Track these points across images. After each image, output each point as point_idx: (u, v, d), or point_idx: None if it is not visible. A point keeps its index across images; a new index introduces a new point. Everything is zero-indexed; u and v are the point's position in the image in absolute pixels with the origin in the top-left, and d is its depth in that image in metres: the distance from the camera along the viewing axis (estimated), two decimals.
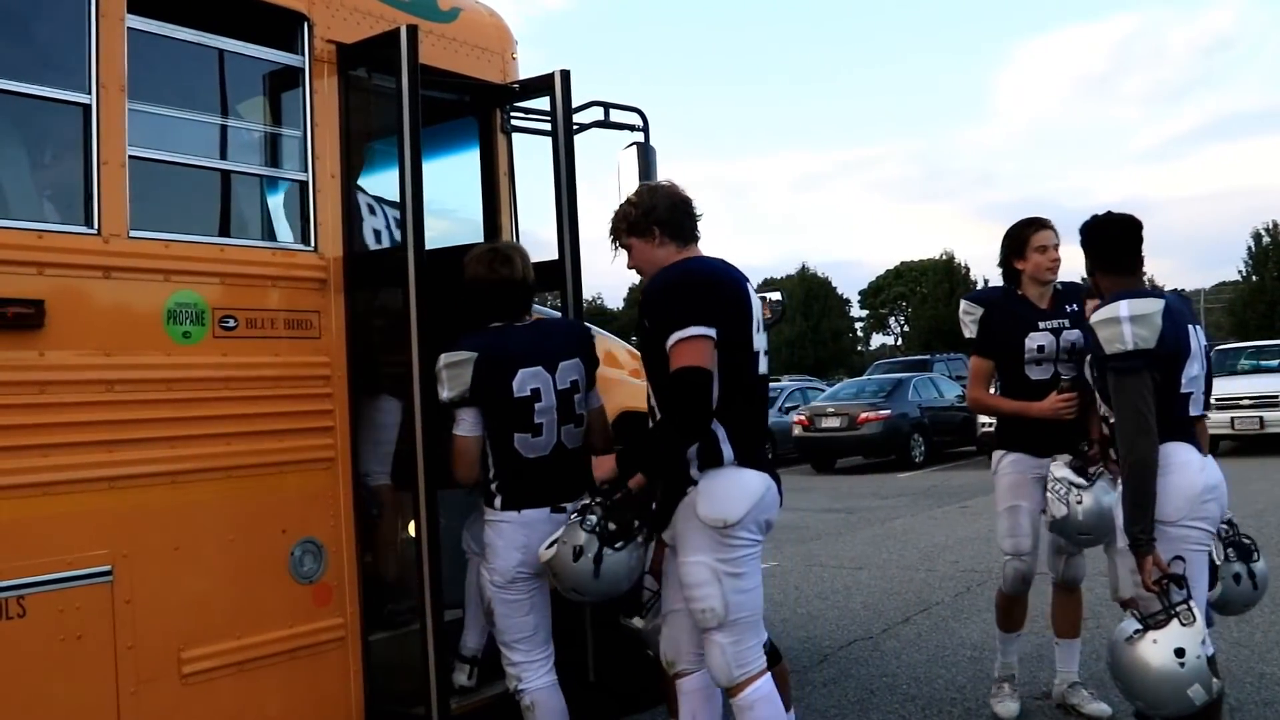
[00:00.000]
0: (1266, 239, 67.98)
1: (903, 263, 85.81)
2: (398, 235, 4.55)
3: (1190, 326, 3.82)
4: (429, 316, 3.97)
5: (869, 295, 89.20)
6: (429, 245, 4.06)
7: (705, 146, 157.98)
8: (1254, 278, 67.99)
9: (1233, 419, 18.06)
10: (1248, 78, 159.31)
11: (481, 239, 5.01)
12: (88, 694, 3.36)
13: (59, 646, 3.29)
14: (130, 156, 3.53)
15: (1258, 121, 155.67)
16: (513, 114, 5.04)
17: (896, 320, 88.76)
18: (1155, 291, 3.90)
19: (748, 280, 3.66)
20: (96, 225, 3.46)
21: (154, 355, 3.58)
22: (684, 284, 3.50)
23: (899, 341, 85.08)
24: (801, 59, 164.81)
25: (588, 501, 3.61)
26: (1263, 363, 20.70)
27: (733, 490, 3.46)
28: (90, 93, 3.46)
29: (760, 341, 3.62)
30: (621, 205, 3.75)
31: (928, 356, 31.38)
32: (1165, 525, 3.59)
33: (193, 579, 3.64)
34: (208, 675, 3.64)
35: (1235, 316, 67.28)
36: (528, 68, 5.00)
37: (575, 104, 4.80)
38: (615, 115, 5.28)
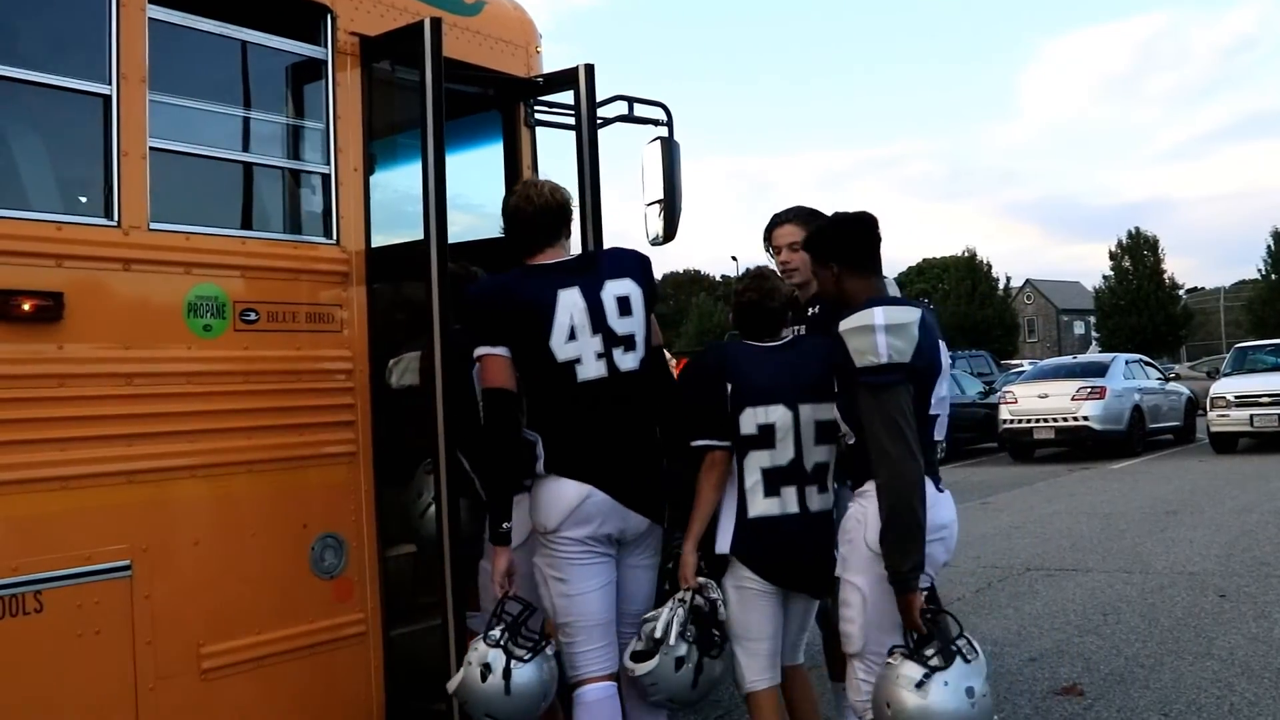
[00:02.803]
0: None
1: (925, 260, 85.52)
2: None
3: (940, 342, 3.50)
4: (451, 310, 3.93)
5: None
6: (452, 240, 4.01)
7: (728, 143, 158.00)
8: (1273, 276, 67.49)
9: (1252, 416, 17.87)
10: (1269, 77, 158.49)
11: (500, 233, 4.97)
12: (106, 690, 3.33)
13: (77, 642, 3.26)
14: (151, 148, 3.50)
15: (1278, 121, 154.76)
16: (536, 108, 4.99)
17: None
18: (907, 299, 3.55)
19: (572, 284, 3.57)
20: (116, 217, 3.43)
21: (174, 348, 3.54)
22: (471, 302, 3.61)
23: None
24: (826, 56, 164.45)
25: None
26: None
27: (543, 499, 3.56)
28: (111, 83, 3.42)
29: (584, 346, 3.54)
30: None
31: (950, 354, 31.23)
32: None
33: (212, 574, 3.60)
34: (227, 671, 3.61)
35: (1254, 314, 66.74)
36: (551, 63, 4.95)
37: (599, 98, 4.76)
38: (639, 110, 5.22)
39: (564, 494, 3.50)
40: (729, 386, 3.68)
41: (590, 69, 4.66)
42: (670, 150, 5.14)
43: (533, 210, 3.66)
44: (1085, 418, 18.34)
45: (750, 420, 3.64)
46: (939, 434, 3.49)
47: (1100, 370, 19.20)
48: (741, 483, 3.66)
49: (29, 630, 3.16)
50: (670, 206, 5.13)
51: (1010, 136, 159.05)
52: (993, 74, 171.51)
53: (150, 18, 3.52)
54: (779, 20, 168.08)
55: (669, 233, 5.15)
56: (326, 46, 4.02)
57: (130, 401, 3.43)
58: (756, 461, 3.64)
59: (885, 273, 3.72)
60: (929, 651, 3.17)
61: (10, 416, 3.17)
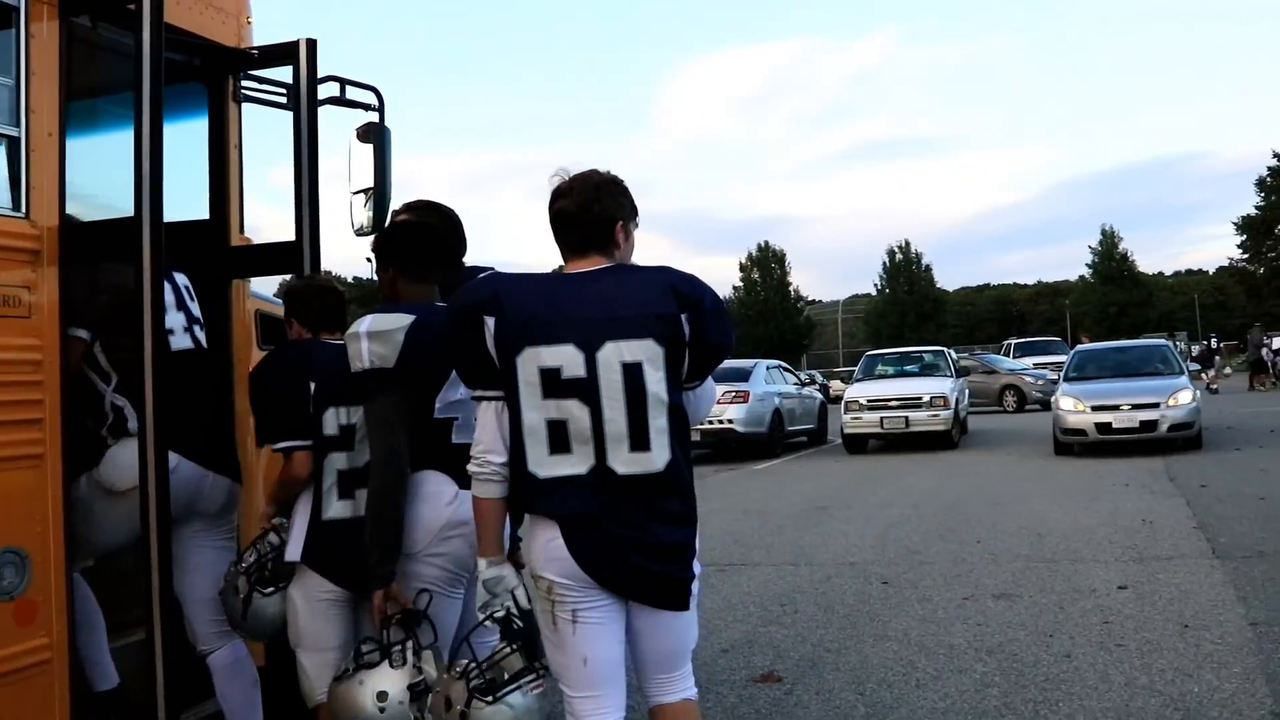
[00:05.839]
0: (899, 255, 74.31)
1: (559, 268, 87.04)
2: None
3: None
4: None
5: None
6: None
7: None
8: (888, 290, 74.13)
9: (882, 419, 19.43)
10: (888, 108, 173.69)
11: (207, 214, 4.58)
12: None
13: None
14: None
15: (894, 148, 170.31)
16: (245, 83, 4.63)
17: None
18: (410, 307, 3.45)
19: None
20: None
21: None
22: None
23: None
24: (467, 59, 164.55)
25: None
26: (906, 367, 22.47)
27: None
28: None
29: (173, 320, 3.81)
30: None
31: None
32: (405, 557, 3.35)
33: None
34: None
35: (870, 326, 73.04)
36: None
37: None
38: (350, 94, 4.96)
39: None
40: (313, 386, 3.57)
41: (312, 44, 4.40)
42: (382, 136, 4.92)
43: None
44: (730, 420, 19.12)
45: (332, 421, 3.54)
46: (459, 438, 3.41)
47: (743, 375, 20.09)
48: (319, 485, 3.55)
49: None
50: (380, 195, 4.91)
51: (648, 149, 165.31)
52: (634, 88, 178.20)
53: None
54: (420, 19, 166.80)
55: (377, 222, 4.93)
56: None
57: None
58: (335, 463, 3.54)
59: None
60: (366, 649, 3.28)
61: None
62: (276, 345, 4.32)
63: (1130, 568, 7.89)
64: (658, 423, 2.87)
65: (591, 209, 3.00)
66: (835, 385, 35.85)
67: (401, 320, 3.33)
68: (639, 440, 2.86)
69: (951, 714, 4.89)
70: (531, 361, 2.85)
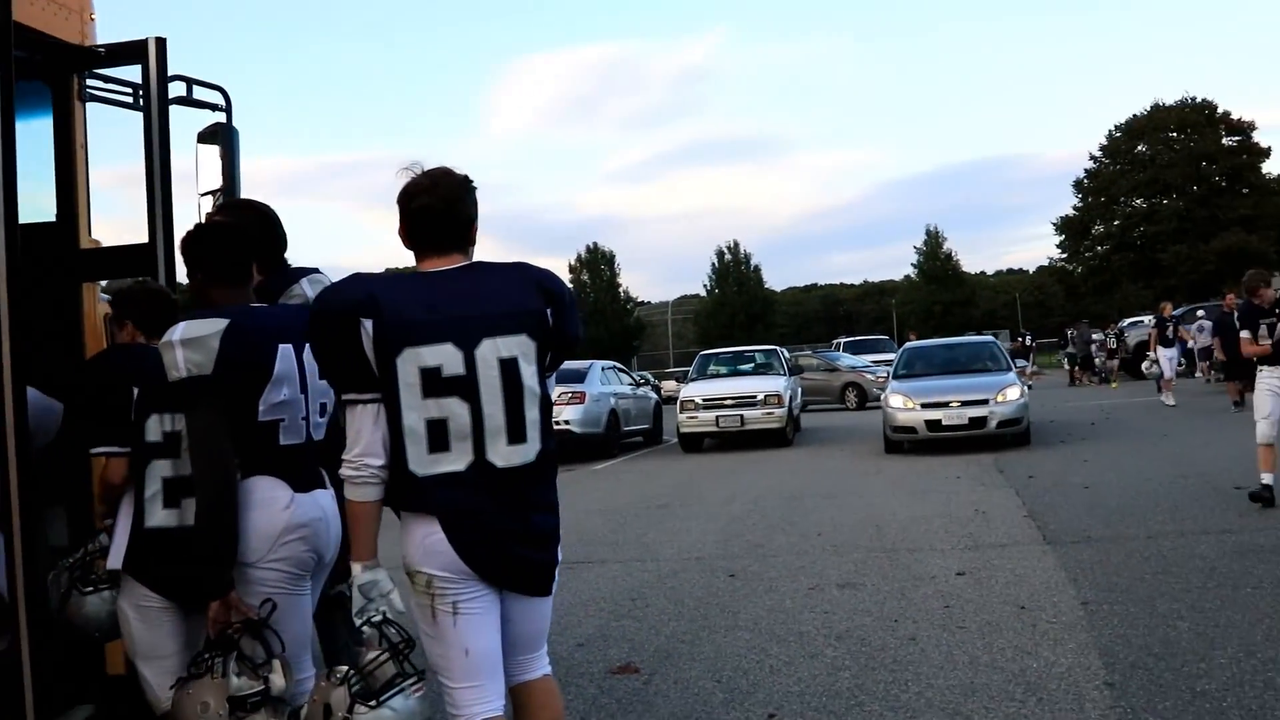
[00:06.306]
0: (728, 256, 75.61)
1: (389, 270, 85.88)
2: None
3: (286, 346, 3.43)
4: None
5: None
6: None
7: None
8: (716, 291, 75.27)
9: (718, 418, 19.77)
10: (718, 109, 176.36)
11: (54, 217, 4.43)
12: None
13: None
14: None
15: (724, 149, 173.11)
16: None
17: None
18: (223, 310, 3.38)
19: None
20: None
21: None
22: None
23: None
24: (282, 60, 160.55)
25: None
26: (740, 366, 22.93)
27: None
28: None
29: None
30: None
31: None
32: (244, 566, 3.30)
33: None
34: None
35: (700, 326, 74.03)
36: None
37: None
38: (198, 94, 4.88)
39: None
40: (135, 391, 3.55)
41: (161, 43, 4.30)
42: (230, 137, 4.86)
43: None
44: (566, 421, 19.04)
45: (155, 427, 3.51)
46: (286, 439, 3.43)
47: (579, 376, 20.12)
48: (140, 493, 3.52)
49: None
50: (230, 196, 4.85)
51: (477, 150, 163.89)
52: (462, 89, 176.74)
53: None
54: (240, 18, 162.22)
55: None
56: None
57: None
58: (159, 471, 3.50)
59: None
60: (206, 657, 3.24)
61: None
62: (104, 349, 4.24)
63: (967, 555, 8.29)
64: (531, 415, 3.00)
65: (455, 207, 3.07)
66: (668, 385, 36.26)
67: (215, 325, 3.26)
68: (515, 433, 2.98)
69: (808, 696, 5.09)
70: (412, 362, 2.90)
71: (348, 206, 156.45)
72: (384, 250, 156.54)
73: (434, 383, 2.91)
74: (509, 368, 2.97)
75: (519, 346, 2.99)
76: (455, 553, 2.92)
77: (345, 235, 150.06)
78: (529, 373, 3.01)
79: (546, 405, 3.09)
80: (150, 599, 3.48)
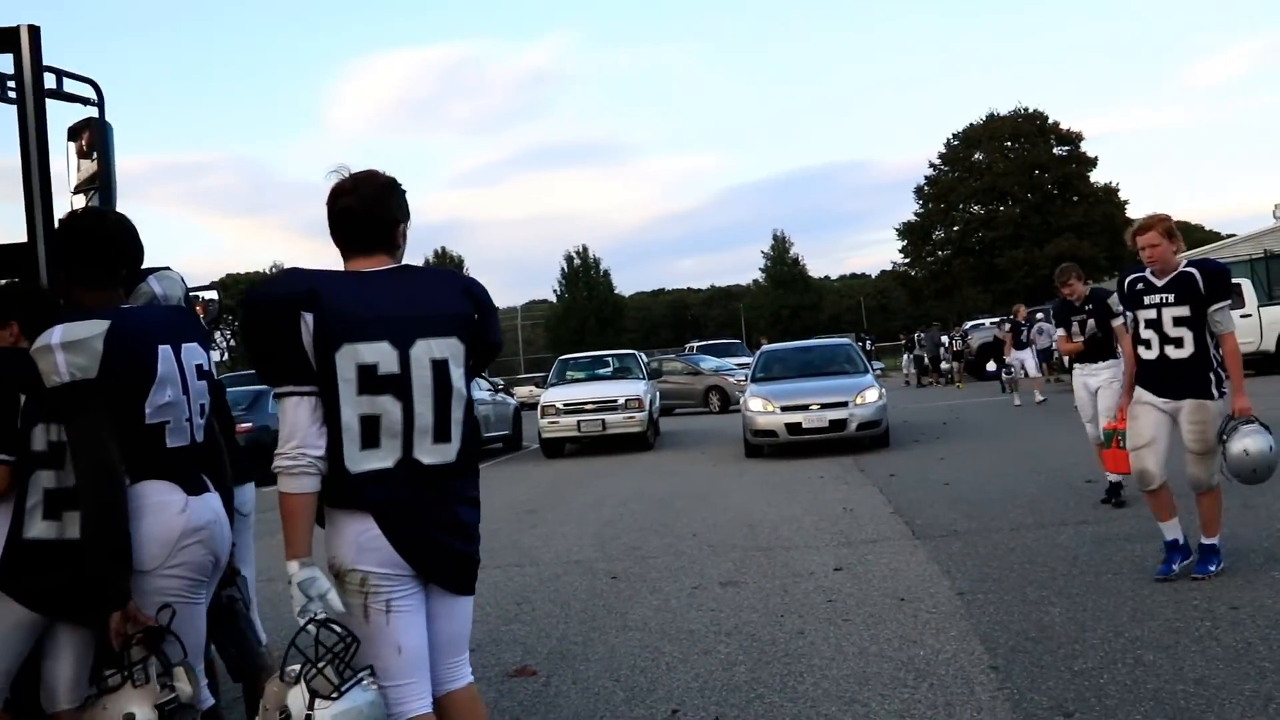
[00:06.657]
0: (577, 261, 75.78)
1: (229, 275, 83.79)
2: None
3: (165, 347, 3.36)
4: None
5: None
6: None
7: None
8: (566, 296, 75.35)
9: (579, 422, 19.74)
10: (561, 113, 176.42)
11: None
12: None
13: None
14: None
15: (569, 154, 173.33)
16: None
17: (223, 335, 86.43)
18: (101, 313, 3.28)
19: None
20: None
21: None
22: None
23: (225, 357, 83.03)
24: (120, 59, 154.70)
25: None
26: (599, 371, 22.99)
27: None
28: None
29: None
30: None
31: None
32: (141, 574, 3.21)
33: None
34: None
35: (551, 331, 74.03)
36: None
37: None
38: (68, 86, 4.67)
39: None
40: (22, 399, 3.41)
41: (36, 31, 4.10)
42: (104, 132, 4.68)
43: None
44: None
45: (41, 436, 3.38)
46: (174, 441, 3.37)
47: None
48: (21, 503, 3.38)
49: None
50: (106, 193, 4.67)
51: (317, 152, 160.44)
52: (301, 88, 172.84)
53: None
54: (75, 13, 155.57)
55: None
56: None
57: None
58: (41, 481, 3.37)
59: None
60: (108, 672, 3.17)
61: None
62: None
63: (841, 551, 8.48)
64: (456, 415, 3.10)
65: (374, 209, 3.11)
66: (520, 392, 36.06)
67: (97, 327, 3.18)
68: (441, 432, 3.06)
69: (708, 691, 5.15)
70: (350, 358, 2.93)
71: (179, 206, 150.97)
72: (218, 253, 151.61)
73: (369, 380, 2.95)
74: (440, 369, 3.06)
75: (450, 349, 3.08)
76: (391, 547, 2.96)
77: (178, 235, 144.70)
78: (457, 374, 3.11)
79: (470, 406, 3.18)
80: (13, 614, 3.32)
